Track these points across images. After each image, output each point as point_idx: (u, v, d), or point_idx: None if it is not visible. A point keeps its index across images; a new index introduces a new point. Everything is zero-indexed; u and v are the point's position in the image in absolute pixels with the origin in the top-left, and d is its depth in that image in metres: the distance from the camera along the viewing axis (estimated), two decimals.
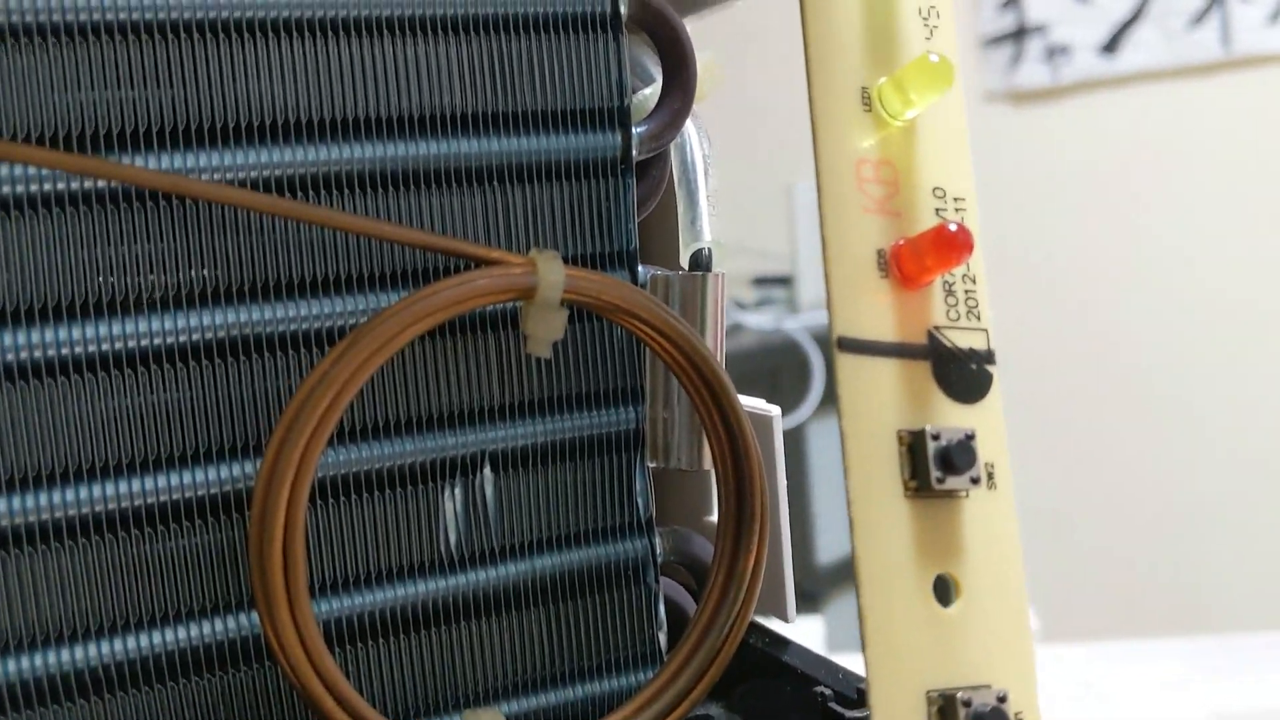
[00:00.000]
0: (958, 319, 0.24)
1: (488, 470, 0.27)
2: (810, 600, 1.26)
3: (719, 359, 0.28)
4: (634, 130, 0.29)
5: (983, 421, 0.23)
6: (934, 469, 0.23)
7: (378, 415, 0.26)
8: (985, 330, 0.24)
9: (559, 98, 0.28)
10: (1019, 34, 1.69)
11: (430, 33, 0.27)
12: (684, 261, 0.30)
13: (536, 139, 0.28)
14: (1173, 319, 1.61)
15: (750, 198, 1.41)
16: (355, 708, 0.24)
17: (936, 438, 0.23)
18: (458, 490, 0.27)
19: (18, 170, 0.23)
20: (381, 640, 0.26)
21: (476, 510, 0.27)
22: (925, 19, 0.25)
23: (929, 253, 0.23)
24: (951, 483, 0.23)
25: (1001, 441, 0.24)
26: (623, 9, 0.28)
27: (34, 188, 0.23)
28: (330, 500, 0.26)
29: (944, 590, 0.24)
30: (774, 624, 0.32)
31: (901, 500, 0.23)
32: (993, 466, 0.24)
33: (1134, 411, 1.65)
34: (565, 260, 0.28)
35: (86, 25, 0.24)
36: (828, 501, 1.33)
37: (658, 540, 0.29)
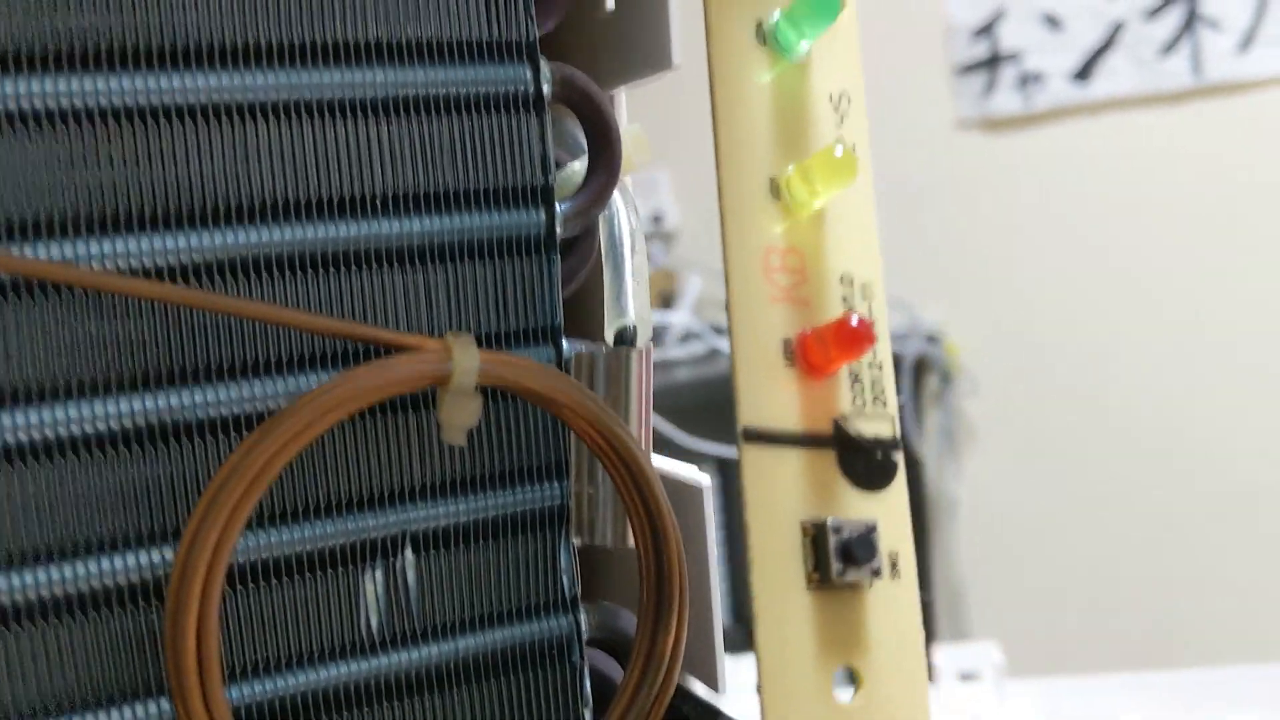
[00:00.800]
0: (864, 406, 0.24)
1: (409, 552, 0.27)
2: None
3: (642, 436, 0.28)
4: (559, 207, 0.29)
5: (887, 510, 0.24)
6: (835, 562, 0.23)
7: (296, 499, 0.26)
8: (891, 418, 0.24)
9: (483, 176, 0.28)
10: (992, 62, 1.70)
11: (353, 114, 0.27)
12: (609, 337, 0.30)
13: (460, 218, 0.28)
14: (1146, 343, 1.61)
15: None
16: None
17: (839, 530, 0.23)
18: (378, 572, 0.27)
19: None
20: None
21: (398, 592, 0.27)
22: (836, 106, 0.25)
23: (833, 344, 0.23)
24: (852, 575, 0.23)
25: (905, 529, 0.24)
26: (546, 89, 0.29)
27: None
28: (249, 585, 0.26)
29: (847, 680, 0.24)
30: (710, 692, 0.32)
31: (804, 592, 0.23)
32: (896, 555, 0.24)
33: (1105, 440, 1.65)
34: (489, 339, 0.28)
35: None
36: None
37: (583, 617, 0.29)
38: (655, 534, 0.27)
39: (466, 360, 0.25)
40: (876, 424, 0.24)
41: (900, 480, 0.24)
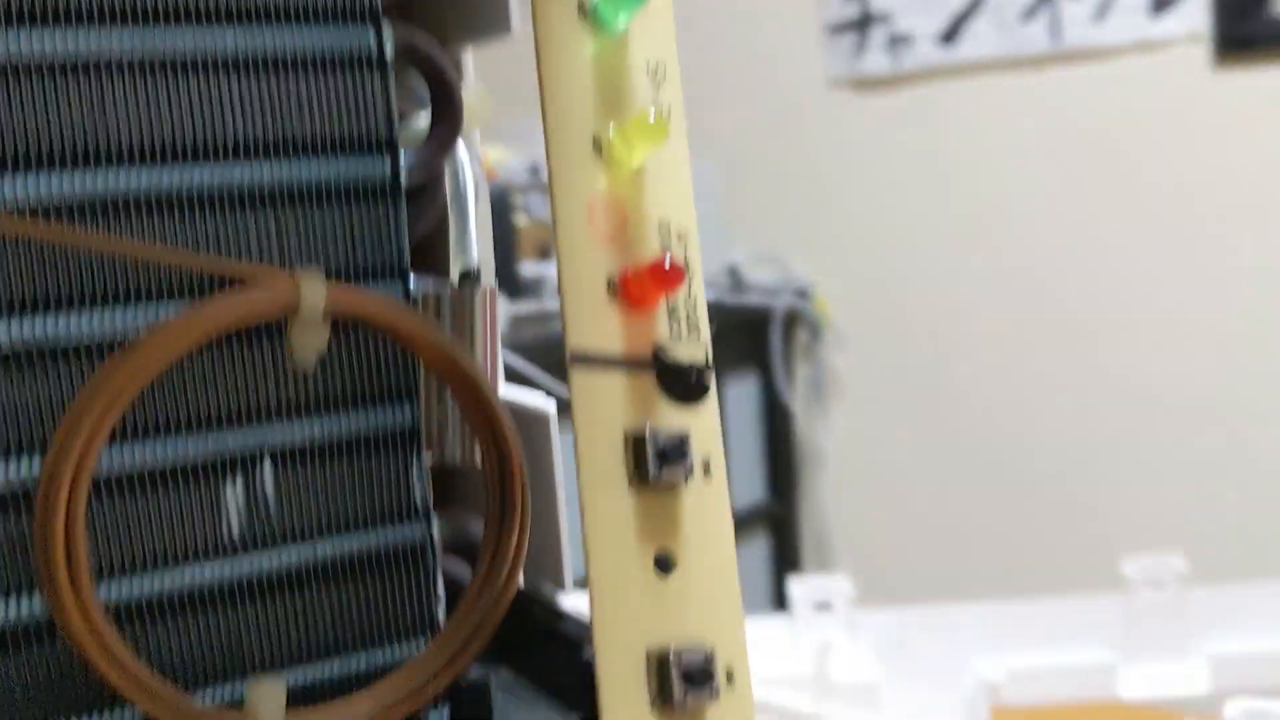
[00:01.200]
0: (680, 335, 0.28)
1: (268, 465, 0.30)
2: None
3: (489, 367, 0.32)
4: (404, 156, 0.32)
5: (700, 422, 0.27)
6: (652, 464, 0.26)
7: (160, 416, 0.29)
8: (704, 345, 0.28)
9: (332, 129, 0.31)
10: (863, 22, 1.75)
11: (206, 71, 0.29)
12: (454, 277, 0.33)
13: (310, 165, 0.31)
14: (1005, 297, 1.69)
15: None
16: (136, 675, 0.27)
17: (655, 438, 0.26)
18: (239, 484, 0.30)
19: None
20: (169, 620, 0.29)
21: (257, 502, 0.30)
22: (653, 75, 0.29)
23: (650, 281, 0.26)
24: (668, 476, 0.26)
25: (716, 438, 0.27)
26: (389, 51, 0.31)
27: None
28: (116, 495, 0.28)
29: (664, 564, 0.28)
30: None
31: (626, 490, 0.26)
32: (708, 460, 0.27)
33: (962, 384, 1.72)
34: (342, 275, 0.31)
35: None
36: None
37: (435, 525, 0.32)
38: (499, 448, 0.30)
39: (313, 293, 0.28)
40: (691, 350, 0.28)
41: (712, 397, 0.28)
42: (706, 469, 0.28)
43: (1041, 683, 0.90)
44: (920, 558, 1.73)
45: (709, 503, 0.28)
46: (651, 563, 0.27)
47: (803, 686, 0.86)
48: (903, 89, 1.74)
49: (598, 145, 0.28)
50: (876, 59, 1.76)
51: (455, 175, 0.34)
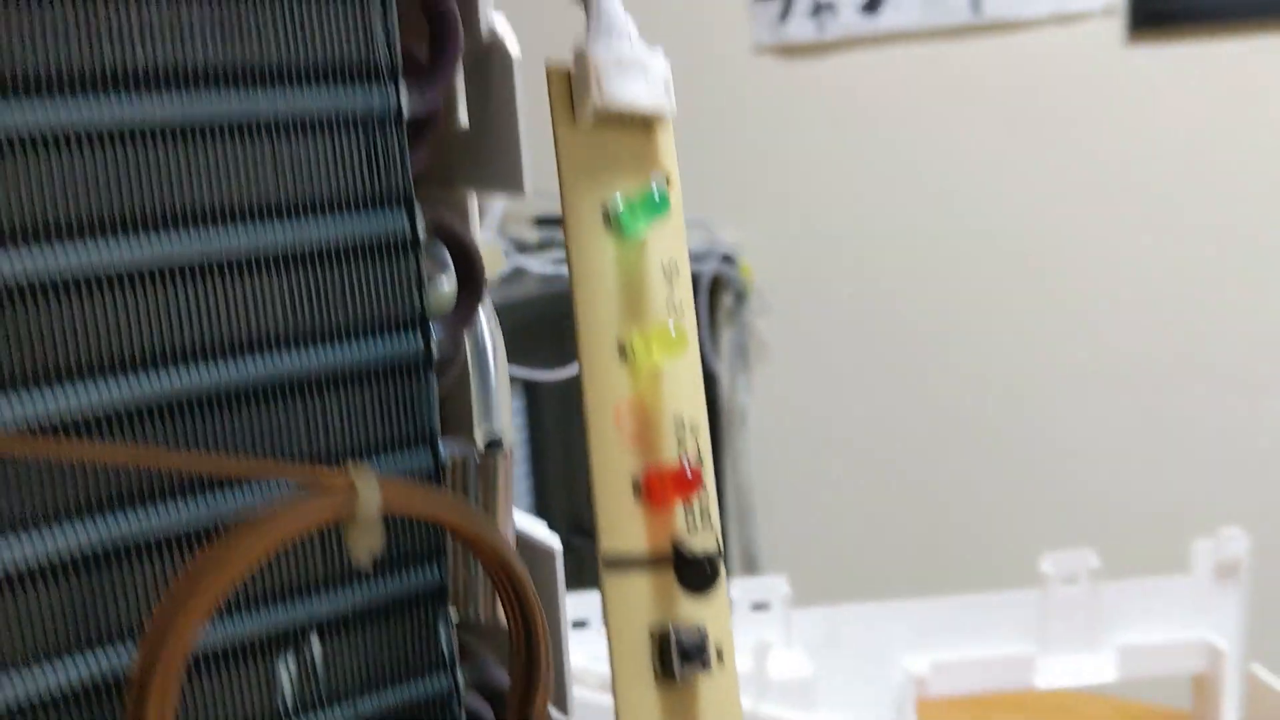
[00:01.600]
0: (695, 528, 0.30)
1: (314, 636, 0.32)
2: None
3: (509, 528, 0.34)
4: (433, 329, 0.34)
5: (714, 611, 0.30)
6: (676, 660, 0.29)
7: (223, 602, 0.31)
8: (715, 533, 0.31)
9: (369, 310, 0.33)
10: None
11: (257, 268, 0.31)
12: (479, 442, 0.35)
13: (350, 348, 0.33)
14: (931, 263, 1.73)
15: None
16: None
17: (677, 633, 0.29)
18: (289, 656, 0.32)
19: None
20: None
21: (307, 669, 0.32)
22: (667, 275, 0.31)
23: (671, 485, 0.29)
24: (688, 671, 0.29)
25: (727, 624, 0.30)
26: (421, 234, 0.33)
27: None
28: (190, 675, 0.31)
29: None
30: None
31: (653, 686, 0.29)
32: (720, 645, 0.30)
33: (887, 358, 1.78)
34: (377, 446, 0.33)
35: None
36: None
37: (460, 674, 0.35)
38: (524, 613, 0.33)
39: (369, 493, 0.30)
40: (705, 540, 0.30)
41: (723, 583, 0.31)
42: (720, 656, 0.31)
43: (964, 675, 0.96)
44: (841, 525, 1.79)
45: (722, 688, 0.31)
46: None
47: (742, 685, 0.91)
48: (827, 56, 1.77)
49: (622, 350, 0.30)
50: (800, 26, 1.78)
51: (476, 340, 0.36)
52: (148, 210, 0.30)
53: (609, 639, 0.29)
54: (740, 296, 1.83)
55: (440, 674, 0.35)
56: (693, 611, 0.30)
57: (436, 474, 0.34)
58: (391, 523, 0.34)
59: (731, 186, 1.82)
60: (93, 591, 0.30)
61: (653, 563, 0.30)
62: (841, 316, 1.78)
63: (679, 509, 0.30)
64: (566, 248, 0.30)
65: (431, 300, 0.34)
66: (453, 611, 0.35)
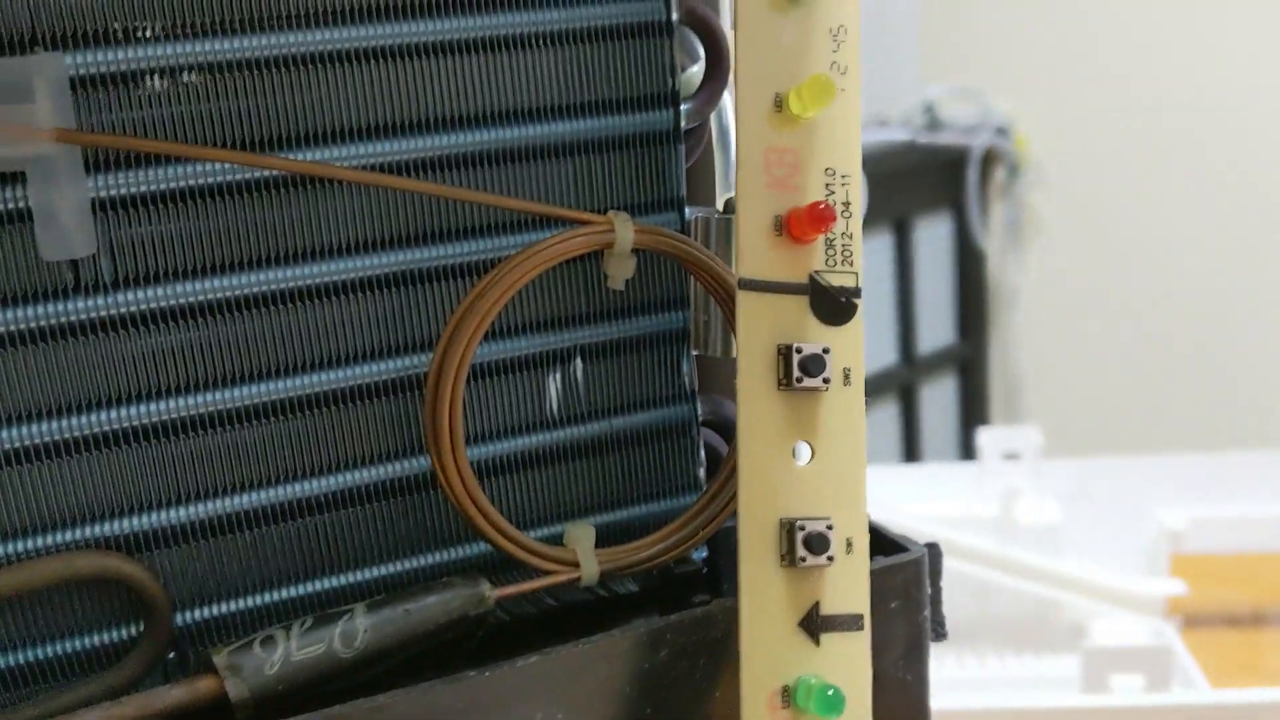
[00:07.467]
0: (834, 265, 0.34)
1: (579, 360, 0.39)
2: None
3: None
4: (682, 106, 0.39)
5: (844, 339, 0.34)
6: (796, 371, 0.33)
7: (504, 324, 0.38)
8: (856, 273, 0.34)
9: (625, 87, 0.38)
10: None
11: (510, 47, 0.37)
12: (720, 205, 0.40)
13: (610, 120, 0.38)
14: (1214, 136, 1.65)
15: None
16: (491, 517, 0.36)
17: (799, 351, 0.33)
18: (557, 373, 0.39)
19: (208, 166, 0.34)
20: (511, 475, 0.39)
21: (571, 387, 0.39)
22: (835, 36, 0.34)
23: (807, 221, 0.33)
24: (807, 382, 0.33)
25: (859, 353, 0.34)
26: (675, 18, 0.38)
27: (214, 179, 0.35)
28: (474, 382, 0.38)
29: (802, 452, 0.35)
30: None
31: (775, 392, 0.34)
32: (849, 370, 0.34)
33: (1164, 232, 1.71)
34: (633, 208, 0.38)
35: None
36: None
37: (699, 404, 0.41)
38: None
39: (625, 232, 0.36)
40: (843, 278, 0.34)
41: (858, 318, 0.34)
42: (846, 378, 0.34)
43: (1223, 533, 0.95)
44: (1108, 404, 1.76)
45: (846, 405, 0.34)
46: (790, 451, 0.34)
47: (987, 529, 0.93)
48: None
49: (778, 103, 0.34)
50: None
51: (719, 117, 0.41)
52: None
53: (738, 351, 0.33)
54: (1014, 170, 1.80)
55: (682, 403, 0.40)
56: (824, 336, 0.34)
57: (682, 226, 0.39)
58: (644, 272, 0.39)
59: (1006, 55, 1.79)
60: (401, 306, 0.37)
61: (788, 289, 0.34)
62: (1118, 190, 1.73)
63: (820, 248, 0.34)
64: (733, 12, 0.34)
65: (681, 81, 0.39)
66: (694, 350, 0.40)
